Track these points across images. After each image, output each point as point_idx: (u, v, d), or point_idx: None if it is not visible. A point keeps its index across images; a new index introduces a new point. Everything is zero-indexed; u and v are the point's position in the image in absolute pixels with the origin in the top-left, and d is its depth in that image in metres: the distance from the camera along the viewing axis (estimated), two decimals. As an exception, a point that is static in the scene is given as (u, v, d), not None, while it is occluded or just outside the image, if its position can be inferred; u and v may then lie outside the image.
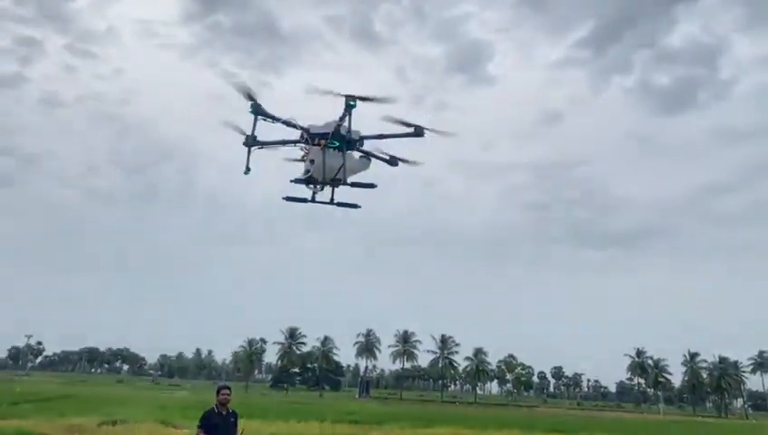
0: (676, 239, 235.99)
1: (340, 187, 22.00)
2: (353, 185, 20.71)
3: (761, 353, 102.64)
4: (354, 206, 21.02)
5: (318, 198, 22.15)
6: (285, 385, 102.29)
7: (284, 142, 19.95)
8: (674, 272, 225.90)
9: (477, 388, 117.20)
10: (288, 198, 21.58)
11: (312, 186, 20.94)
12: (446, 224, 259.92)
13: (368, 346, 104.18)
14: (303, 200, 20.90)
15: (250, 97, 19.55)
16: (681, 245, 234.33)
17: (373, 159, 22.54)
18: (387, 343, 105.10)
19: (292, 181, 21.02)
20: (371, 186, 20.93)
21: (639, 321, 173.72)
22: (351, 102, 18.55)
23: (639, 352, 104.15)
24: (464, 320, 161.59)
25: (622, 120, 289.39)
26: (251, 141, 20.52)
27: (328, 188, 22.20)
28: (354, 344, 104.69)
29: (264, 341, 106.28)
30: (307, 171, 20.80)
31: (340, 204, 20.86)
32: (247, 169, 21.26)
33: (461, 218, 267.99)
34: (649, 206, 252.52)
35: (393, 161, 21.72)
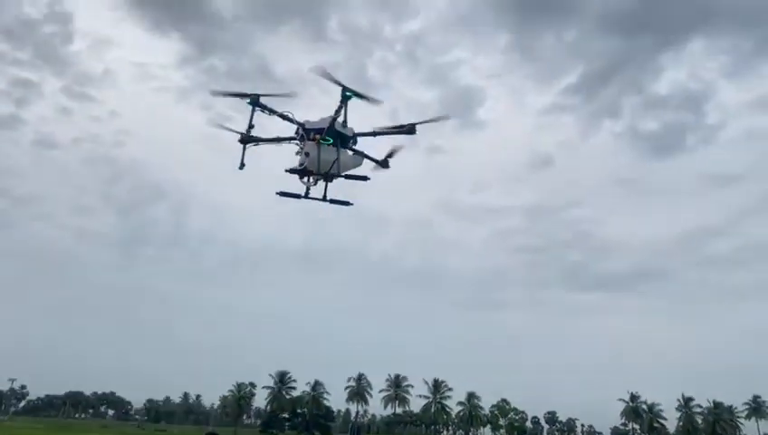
0: (669, 282, 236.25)
1: (333, 191, 22.32)
2: (347, 177, 20.90)
3: (755, 398, 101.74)
4: (347, 203, 21.70)
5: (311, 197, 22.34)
6: (275, 431, 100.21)
7: (279, 140, 20.86)
8: (667, 315, 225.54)
9: (470, 434, 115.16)
10: (282, 193, 21.60)
11: (305, 180, 21.00)
12: (438, 267, 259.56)
13: (359, 391, 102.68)
14: (297, 196, 21.39)
15: (244, 94, 20.13)
16: (674, 287, 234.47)
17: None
18: (378, 388, 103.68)
19: (286, 171, 21.33)
20: (365, 178, 21.05)
21: (633, 364, 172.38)
22: (348, 94, 19.36)
23: (633, 397, 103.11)
24: (456, 364, 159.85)
25: (612, 163, 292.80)
26: (246, 138, 20.75)
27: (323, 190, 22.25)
28: (345, 389, 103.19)
29: (253, 385, 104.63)
30: (302, 163, 21.18)
31: (333, 201, 21.41)
32: (242, 165, 21.37)
33: (453, 261, 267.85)
34: (641, 248, 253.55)
35: (385, 163, 22.06)
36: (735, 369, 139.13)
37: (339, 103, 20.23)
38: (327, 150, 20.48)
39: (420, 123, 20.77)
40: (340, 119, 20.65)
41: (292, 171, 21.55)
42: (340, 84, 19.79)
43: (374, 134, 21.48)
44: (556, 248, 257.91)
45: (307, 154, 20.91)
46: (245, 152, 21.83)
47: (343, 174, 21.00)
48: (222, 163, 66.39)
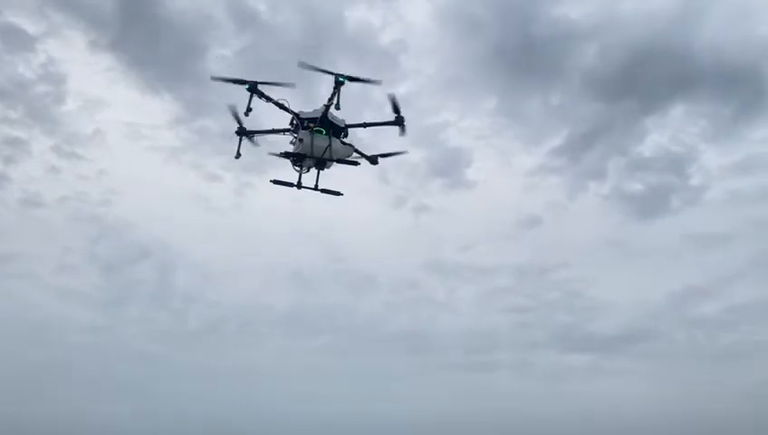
0: (657, 344, 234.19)
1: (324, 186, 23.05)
2: (338, 161, 21.54)
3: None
4: (337, 193, 22.57)
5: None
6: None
7: (274, 131, 21.58)
8: (656, 377, 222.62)
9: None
10: (275, 181, 22.24)
11: (298, 168, 21.70)
12: (426, 328, 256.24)
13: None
14: (290, 184, 22.17)
15: (243, 81, 20.35)
16: (662, 349, 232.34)
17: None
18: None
19: (281, 154, 21.66)
20: (355, 163, 21.85)
21: (625, 428, 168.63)
22: (341, 79, 20.06)
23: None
24: (445, 427, 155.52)
25: (600, 224, 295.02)
26: (242, 131, 21.72)
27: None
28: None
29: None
30: (296, 149, 21.35)
31: (324, 190, 22.31)
32: (238, 155, 22.43)
33: (442, 322, 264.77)
34: (629, 310, 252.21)
35: (374, 160, 23.37)
36: (726, 430, 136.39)
37: (332, 91, 20.68)
38: (320, 138, 21.01)
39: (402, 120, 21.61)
40: (334, 103, 21.31)
41: (286, 155, 21.72)
42: (330, 73, 20.46)
43: (364, 125, 22.53)
44: (545, 309, 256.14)
45: (301, 140, 21.02)
46: (242, 143, 22.33)
47: (335, 158, 21.43)
48: (209, 222, 65.64)
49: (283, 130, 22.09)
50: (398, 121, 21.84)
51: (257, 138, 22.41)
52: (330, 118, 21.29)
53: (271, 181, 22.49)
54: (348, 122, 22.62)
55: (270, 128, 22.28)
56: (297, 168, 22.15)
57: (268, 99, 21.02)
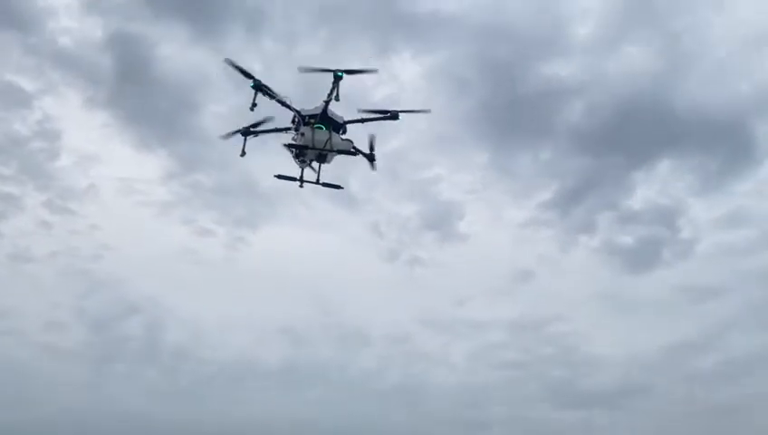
0: (654, 398, 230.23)
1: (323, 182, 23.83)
2: (339, 152, 22.75)
3: None
4: (338, 187, 23.90)
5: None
6: None
7: (276, 130, 22.62)
8: (653, 432, 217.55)
9: None
10: (279, 176, 23.49)
11: (299, 161, 22.81)
12: (419, 382, 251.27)
13: None
14: (293, 179, 23.34)
15: (250, 75, 21.35)
16: (659, 404, 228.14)
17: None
18: None
19: (284, 145, 22.48)
20: (354, 153, 23.17)
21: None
22: (339, 74, 21.04)
23: None
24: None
25: (592, 277, 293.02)
26: (246, 131, 22.77)
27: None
28: None
29: None
30: (296, 140, 22.06)
31: (325, 184, 23.63)
32: (243, 153, 23.41)
33: (435, 377, 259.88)
34: (624, 364, 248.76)
35: (371, 157, 24.39)
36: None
37: (331, 86, 21.53)
38: (320, 133, 22.19)
39: (403, 111, 22.93)
40: (333, 102, 21.73)
41: (289, 146, 22.56)
42: (329, 70, 21.19)
43: (362, 121, 23.36)
44: (539, 364, 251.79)
45: (302, 135, 22.14)
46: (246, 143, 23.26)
47: (336, 150, 22.67)
48: (200, 277, 65.12)
49: (286, 129, 23.13)
50: (394, 116, 23.10)
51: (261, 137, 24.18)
52: (329, 114, 22.46)
53: (275, 176, 23.84)
54: (346, 119, 23.67)
55: (272, 127, 23.34)
56: (299, 162, 23.34)
57: (272, 96, 21.95)
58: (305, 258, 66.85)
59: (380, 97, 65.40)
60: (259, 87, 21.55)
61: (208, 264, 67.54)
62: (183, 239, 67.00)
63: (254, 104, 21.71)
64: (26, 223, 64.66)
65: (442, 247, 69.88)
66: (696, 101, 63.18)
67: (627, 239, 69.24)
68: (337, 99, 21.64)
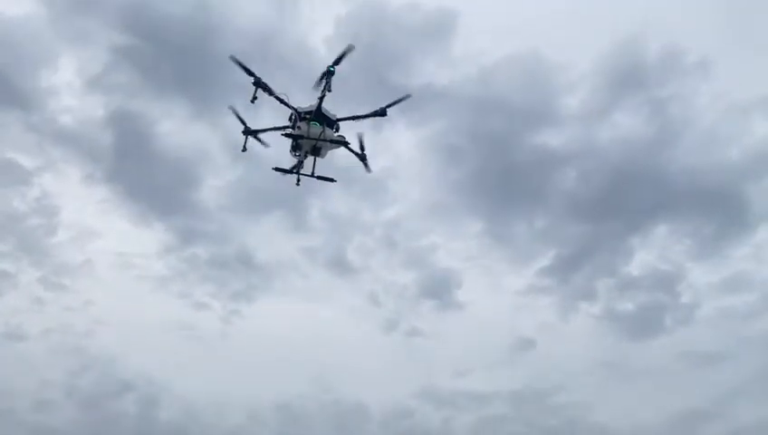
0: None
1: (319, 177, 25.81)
2: (332, 141, 24.78)
3: None
4: (331, 180, 25.96)
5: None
6: None
7: (275, 129, 24.80)
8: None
9: None
10: (277, 169, 25.61)
11: (296, 154, 24.86)
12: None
13: None
14: (290, 171, 25.28)
15: (251, 73, 23.15)
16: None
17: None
18: None
19: (283, 134, 24.49)
20: (346, 144, 25.36)
21: None
22: (331, 69, 22.77)
23: None
24: None
25: (594, 345, 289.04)
26: (248, 130, 25.36)
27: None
28: None
29: None
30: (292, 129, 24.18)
31: (319, 177, 25.48)
32: (244, 149, 25.84)
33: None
34: (630, 433, 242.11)
35: (363, 157, 26.73)
36: None
37: (323, 82, 23.34)
38: (315, 127, 24.26)
39: (389, 106, 25.09)
40: (326, 96, 23.68)
41: (287, 135, 24.56)
42: (326, 71, 22.80)
43: (354, 118, 25.38)
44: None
45: (299, 128, 24.20)
46: (247, 141, 25.62)
47: (328, 140, 24.63)
48: (194, 353, 63.96)
49: (284, 127, 25.06)
50: (382, 113, 25.33)
51: (263, 139, 26.37)
52: (323, 111, 24.46)
53: (273, 169, 25.84)
54: (338, 117, 25.76)
55: (272, 126, 25.45)
56: (295, 155, 25.30)
57: (270, 92, 23.76)
58: (301, 331, 65.95)
59: (376, 167, 66.70)
60: (259, 84, 23.32)
61: (203, 339, 66.45)
62: (178, 314, 66.15)
63: (255, 97, 23.50)
64: (20, 300, 63.84)
65: (441, 316, 69.04)
66: (688, 166, 64.25)
67: (627, 306, 68.63)
68: (329, 89, 23.27)
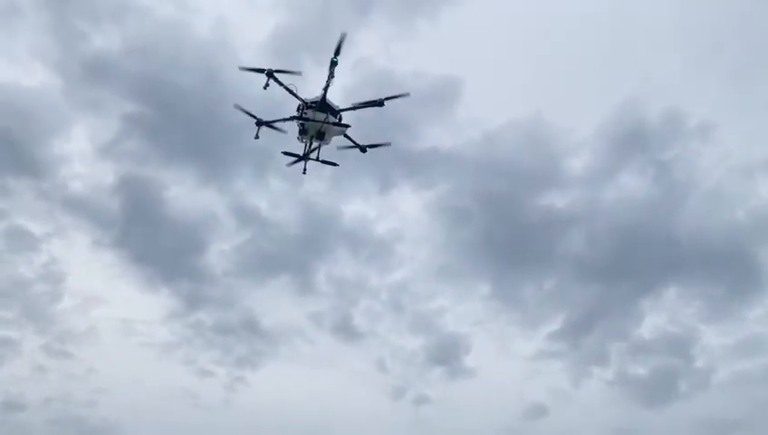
0: None
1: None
2: (335, 124, 27.32)
3: None
4: (334, 164, 28.84)
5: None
6: None
7: (284, 120, 27.37)
8: None
9: None
10: (285, 153, 28.47)
11: (303, 139, 27.69)
12: None
13: None
14: (297, 156, 28.14)
15: (261, 70, 25.48)
16: None
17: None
18: None
19: (291, 117, 27.11)
20: (346, 126, 27.65)
21: None
22: (334, 60, 25.10)
23: None
24: None
25: (607, 412, 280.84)
26: (260, 122, 28.02)
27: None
28: None
29: None
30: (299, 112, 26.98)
31: (324, 162, 28.50)
32: (257, 137, 28.06)
33: None
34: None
35: (363, 148, 29.14)
36: None
37: (328, 73, 25.71)
38: (320, 114, 26.89)
39: (388, 98, 26.54)
40: (330, 84, 26.09)
41: (295, 118, 27.13)
42: (331, 63, 25.04)
43: (354, 108, 27.48)
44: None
45: (306, 113, 26.84)
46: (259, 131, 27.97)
47: (332, 123, 27.21)
48: (197, 421, 62.48)
49: (291, 118, 27.57)
50: (380, 103, 27.11)
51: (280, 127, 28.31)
52: (327, 102, 26.96)
53: (282, 152, 28.70)
54: (340, 108, 27.89)
55: (281, 117, 27.67)
56: (302, 139, 28.04)
57: (280, 83, 26.04)
58: (306, 398, 64.52)
59: (383, 230, 67.07)
60: (271, 74, 25.63)
61: (207, 406, 65.00)
62: (182, 381, 65.01)
63: (267, 85, 25.81)
64: (22, 368, 63.01)
65: (449, 383, 67.49)
66: (695, 228, 64.10)
67: (640, 370, 67.02)
68: (333, 75, 25.62)
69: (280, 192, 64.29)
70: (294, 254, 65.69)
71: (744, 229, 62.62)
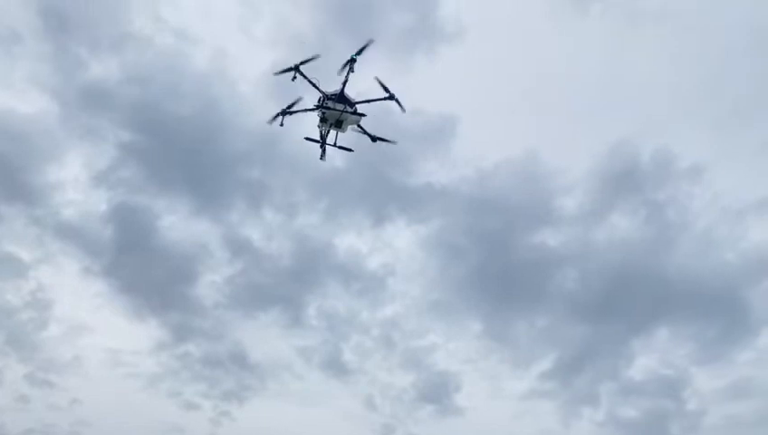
0: None
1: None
2: (352, 113, 30.15)
3: None
4: (349, 150, 31.82)
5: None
6: None
7: (306, 110, 30.33)
8: None
9: None
10: (308, 139, 31.35)
11: (323, 125, 30.67)
12: None
13: None
14: (316, 141, 31.12)
15: (290, 68, 28.54)
16: None
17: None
18: None
19: (315, 105, 30.05)
20: (362, 115, 30.47)
21: None
22: (354, 57, 28.53)
23: None
24: None
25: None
26: (284, 111, 30.63)
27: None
28: None
29: None
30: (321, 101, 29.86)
31: (340, 147, 31.51)
32: (281, 124, 30.97)
33: None
34: None
35: (373, 138, 31.91)
36: None
37: (347, 69, 28.92)
38: (339, 105, 29.73)
39: (358, 53, 28.53)
40: (347, 78, 29.25)
41: (318, 106, 30.06)
42: (350, 59, 28.33)
43: (368, 101, 30.31)
44: None
45: (327, 104, 29.59)
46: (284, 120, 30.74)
47: (349, 112, 30.02)
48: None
49: (312, 109, 30.40)
50: (391, 97, 30.11)
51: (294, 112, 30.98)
52: (345, 95, 29.77)
53: (305, 138, 31.59)
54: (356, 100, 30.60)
55: (302, 108, 30.61)
56: (322, 126, 30.89)
57: (305, 77, 28.94)
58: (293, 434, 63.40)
59: (376, 264, 66.87)
60: (297, 69, 28.62)
61: (193, 436, 63.59)
62: (167, 414, 63.77)
63: (294, 77, 28.84)
64: (3, 397, 61.63)
65: (439, 422, 66.47)
66: (686, 269, 64.25)
67: (631, 412, 66.23)
68: (352, 66, 28.69)
69: (273, 224, 64.32)
70: (286, 287, 65.30)
71: (734, 271, 62.86)
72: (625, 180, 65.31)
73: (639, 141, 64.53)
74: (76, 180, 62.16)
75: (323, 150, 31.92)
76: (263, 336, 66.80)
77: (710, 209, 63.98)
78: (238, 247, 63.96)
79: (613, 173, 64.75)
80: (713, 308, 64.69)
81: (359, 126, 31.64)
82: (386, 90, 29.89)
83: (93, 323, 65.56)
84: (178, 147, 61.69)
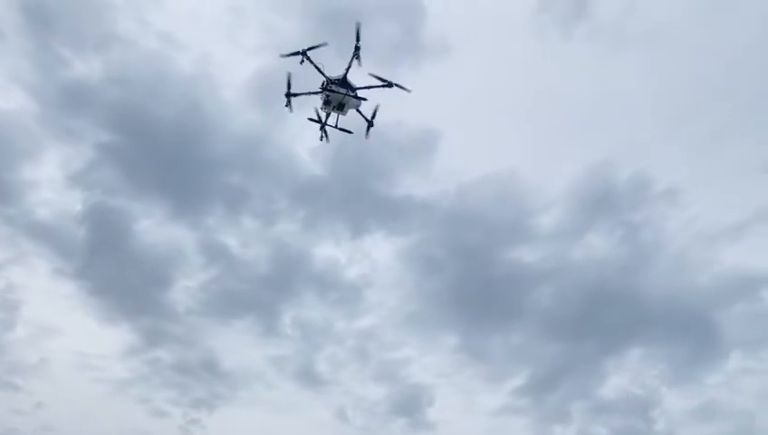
0: None
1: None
2: (354, 97, 31.26)
3: None
4: (348, 131, 33.12)
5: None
6: None
7: (310, 93, 31.70)
8: None
9: None
10: (311, 119, 32.67)
11: (325, 108, 31.84)
12: None
13: None
14: (319, 121, 32.46)
15: (298, 52, 29.52)
16: None
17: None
18: None
19: (320, 88, 31.06)
20: (363, 99, 31.75)
21: None
22: (358, 45, 29.60)
23: None
24: None
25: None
26: (290, 94, 31.76)
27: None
28: None
29: None
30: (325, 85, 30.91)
31: (341, 129, 32.80)
32: (291, 111, 32.32)
33: None
34: None
35: (371, 123, 33.11)
36: None
37: (351, 55, 29.74)
38: (341, 88, 30.83)
39: (396, 85, 30.69)
40: (351, 67, 30.18)
41: (322, 89, 31.14)
42: (355, 49, 29.24)
43: (368, 87, 31.41)
44: None
45: (331, 87, 30.66)
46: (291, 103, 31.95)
47: (351, 96, 31.21)
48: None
49: (317, 92, 31.53)
50: (389, 85, 31.13)
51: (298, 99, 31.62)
52: (347, 80, 30.84)
53: (308, 119, 32.75)
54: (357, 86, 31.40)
55: (308, 91, 31.42)
56: (325, 109, 32.03)
57: (311, 61, 30.01)
58: (264, 443, 62.79)
59: (353, 275, 66.69)
60: (305, 53, 29.62)
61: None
62: (135, 420, 62.64)
63: (302, 61, 29.83)
64: (-37, 400, 59.88)
65: (411, 437, 65.96)
66: (660, 290, 65.06)
67: (602, 431, 66.52)
68: (357, 55, 29.76)
69: (251, 231, 63.88)
70: (261, 295, 64.80)
71: (707, 294, 63.76)
72: (602, 201, 66.17)
73: (618, 163, 65.49)
74: (51, 180, 61.23)
75: (324, 132, 33.23)
76: (236, 344, 66.10)
77: (685, 232, 64.99)
78: (215, 253, 63.44)
79: (591, 193, 65.62)
80: (685, 330, 65.51)
81: (358, 110, 33.10)
82: (383, 80, 31.06)
83: (63, 325, 64.25)
84: (158, 150, 61.09)
